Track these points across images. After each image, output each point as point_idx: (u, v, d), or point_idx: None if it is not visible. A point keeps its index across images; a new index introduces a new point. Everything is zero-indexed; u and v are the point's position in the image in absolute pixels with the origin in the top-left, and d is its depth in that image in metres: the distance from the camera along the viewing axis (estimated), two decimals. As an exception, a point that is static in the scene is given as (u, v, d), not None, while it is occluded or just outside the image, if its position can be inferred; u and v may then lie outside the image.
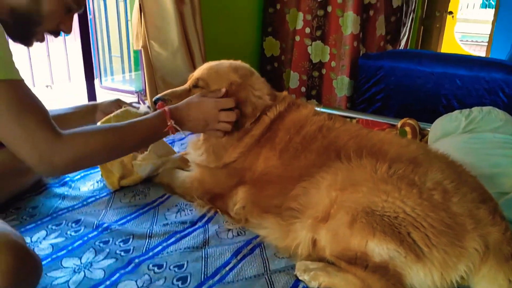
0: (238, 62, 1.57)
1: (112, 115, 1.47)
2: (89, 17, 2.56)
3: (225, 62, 1.54)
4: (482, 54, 5.68)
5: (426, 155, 1.24)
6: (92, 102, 1.64)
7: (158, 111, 1.24)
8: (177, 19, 2.42)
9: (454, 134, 1.85)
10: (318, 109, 1.58)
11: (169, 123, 1.21)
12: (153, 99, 1.47)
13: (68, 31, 1.24)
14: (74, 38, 2.95)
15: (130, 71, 3.15)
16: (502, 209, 1.26)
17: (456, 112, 1.93)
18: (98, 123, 1.46)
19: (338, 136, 1.37)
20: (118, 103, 1.58)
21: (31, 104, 0.98)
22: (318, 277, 1.10)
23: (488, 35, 5.15)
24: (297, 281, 1.12)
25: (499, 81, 2.46)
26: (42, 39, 1.23)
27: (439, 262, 1.02)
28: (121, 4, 3.02)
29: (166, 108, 1.24)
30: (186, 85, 1.52)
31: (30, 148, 0.95)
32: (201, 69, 1.53)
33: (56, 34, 1.24)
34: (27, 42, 1.21)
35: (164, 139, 1.62)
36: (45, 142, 0.96)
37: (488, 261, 1.01)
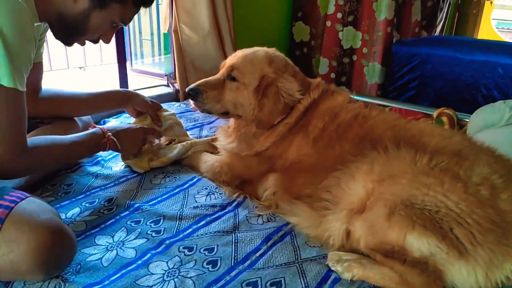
0: (273, 51, 1.52)
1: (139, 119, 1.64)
2: None
3: (260, 51, 1.49)
4: (519, 42, 5.40)
5: (471, 148, 1.18)
6: (125, 91, 1.68)
7: (94, 129, 1.35)
8: (208, 3, 2.39)
9: (497, 126, 1.76)
10: (353, 96, 1.52)
11: (106, 135, 1.34)
12: (187, 90, 1.46)
13: (107, 42, 1.29)
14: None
15: (160, 54, 3.14)
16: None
17: (500, 102, 1.84)
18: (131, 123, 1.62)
19: (375, 125, 1.32)
20: (147, 104, 1.65)
21: (21, 115, 1.06)
22: (352, 269, 1.07)
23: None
24: (329, 271, 1.09)
25: (544, 71, 2.33)
26: (82, 44, 1.28)
27: (484, 261, 0.97)
28: (153, -14, 3.00)
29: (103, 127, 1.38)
30: (220, 75, 1.48)
31: (3, 149, 1.03)
32: (236, 57, 1.49)
33: (95, 42, 1.28)
34: (68, 43, 1.26)
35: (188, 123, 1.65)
36: (15, 151, 1.05)
37: (536, 261, 0.96)
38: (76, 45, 1.27)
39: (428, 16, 3.64)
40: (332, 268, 1.09)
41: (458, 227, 0.99)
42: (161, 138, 1.66)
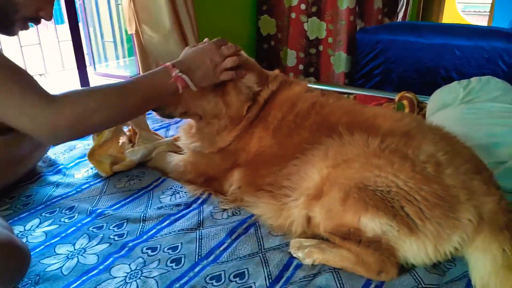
0: None
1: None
2: (77, 2, 2.51)
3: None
4: (484, 24, 5.55)
5: (419, 128, 1.21)
6: None
7: (160, 67, 1.13)
8: (167, 1, 2.38)
9: (452, 106, 1.82)
10: (311, 85, 1.55)
11: (173, 74, 1.11)
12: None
13: (48, 17, 1.18)
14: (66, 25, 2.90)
15: (124, 56, 3.12)
16: (499, 178, 1.24)
17: (454, 83, 1.90)
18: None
19: (331, 112, 1.35)
20: None
21: (15, 68, 0.95)
22: (312, 254, 1.10)
23: (490, 4, 5.03)
24: (291, 258, 1.12)
25: (499, 49, 2.41)
26: (25, 27, 1.19)
27: (432, 235, 1.01)
28: (111, -12, 2.97)
29: (168, 63, 1.14)
30: None
31: (26, 116, 0.92)
32: None
33: (36, 21, 1.19)
34: (9, 31, 1.17)
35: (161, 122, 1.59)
36: (38, 106, 0.92)
37: (482, 231, 1.00)
38: (34, 51, 1.22)
39: (390, 3, 3.71)
40: (294, 255, 1.12)
41: (408, 204, 1.02)
42: (124, 135, 1.62)
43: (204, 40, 1.38)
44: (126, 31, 2.89)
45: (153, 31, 2.48)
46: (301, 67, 3.36)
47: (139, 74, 2.64)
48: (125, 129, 1.65)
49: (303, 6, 3.20)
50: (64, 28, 3.18)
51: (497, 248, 0.98)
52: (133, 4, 2.42)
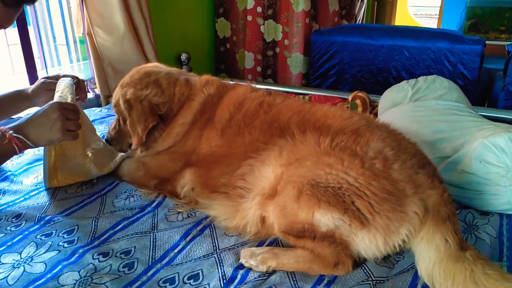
0: (129, 73, 1.55)
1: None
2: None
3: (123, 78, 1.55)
4: (434, 26, 5.83)
5: (368, 125, 1.25)
6: (16, 90, 1.53)
7: None
8: (120, 4, 2.33)
9: (402, 104, 1.89)
10: (255, 85, 1.58)
11: (7, 135, 1.13)
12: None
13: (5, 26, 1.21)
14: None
15: (78, 60, 3.01)
16: (443, 172, 1.32)
17: (403, 82, 1.97)
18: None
19: (281, 112, 1.37)
20: (45, 84, 1.48)
21: None
22: (266, 260, 1.09)
23: (439, 8, 5.29)
24: (247, 257, 1.12)
25: (444, 50, 2.53)
26: None
27: (382, 228, 1.05)
28: (62, -11, 2.86)
29: (3, 127, 1.16)
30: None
31: None
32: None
33: None
34: None
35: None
36: None
37: (427, 223, 1.05)
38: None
39: (347, 6, 3.80)
40: (246, 265, 1.09)
41: (358, 199, 1.06)
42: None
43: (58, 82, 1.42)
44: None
45: (107, 34, 2.42)
46: (259, 69, 3.38)
47: (94, 77, 2.58)
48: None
49: (259, 9, 3.22)
50: (14, 32, 3.05)
51: (440, 238, 1.03)
52: (84, 6, 2.35)
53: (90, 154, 1.46)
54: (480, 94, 2.69)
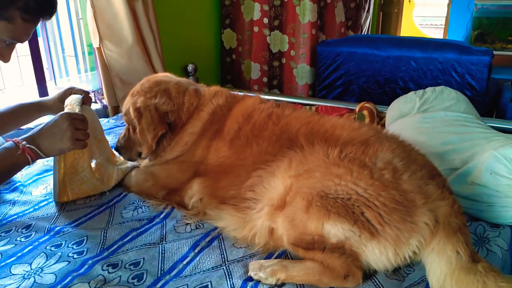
0: (140, 82, 1.57)
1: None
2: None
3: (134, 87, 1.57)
4: (440, 36, 5.83)
5: (377, 136, 1.25)
6: (37, 100, 1.58)
7: (9, 141, 1.19)
8: (129, 16, 2.36)
9: (410, 115, 1.88)
10: (264, 97, 1.59)
11: (20, 146, 1.16)
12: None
13: (5, 60, 1.24)
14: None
15: (86, 71, 3.05)
16: (453, 184, 1.30)
17: (411, 93, 1.97)
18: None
19: (289, 123, 1.38)
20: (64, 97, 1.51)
21: None
22: (275, 273, 1.08)
23: (445, 18, 5.30)
24: (256, 269, 1.11)
25: (451, 61, 2.53)
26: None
27: (392, 239, 1.04)
28: (71, 2, 2.91)
29: (17, 138, 1.20)
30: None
31: None
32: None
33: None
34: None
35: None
36: None
37: (438, 234, 1.04)
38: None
39: (353, 17, 3.83)
40: (255, 277, 1.07)
41: (368, 210, 1.05)
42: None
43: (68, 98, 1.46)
44: (89, 45, 2.84)
45: (115, 45, 2.45)
46: (265, 79, 3.40)
47: (101, 88, 2.60)
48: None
49: (265, 20, 3.25)
50: (24, 43, 3.10)
51: (452, 250, 1.02)
52: (94, 19, 2.39)
53: (93, 165, 1.48)
54: (488, 105, 2.68)
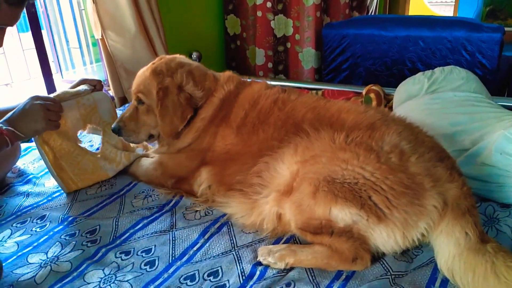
0: (160, 61, 1.52)
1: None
2: (40, 9, 2.45)
3: (148, 67, 1.51)
4: (451, 14, 5.70)
5: (383, 119, 1.25)
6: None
7: None
8: (131, 5, 2.35)
9: (418, 97, 1.86)
10: (271, 82, 1.58)
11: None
12: (112, 129, 1.50)
13: (12, 24, 1.22)
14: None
15: (91, 62, 3.06)
16: (462, 165, 1.30)
17: (419, 74, 1.94)
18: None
19: (295, 109, 1.37)
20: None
21: None
22: (284, 257, 1.09)
23: (455, -6, 5.17)
24: (265, 254, 1.13)
25: (461, 39, 2.48)
26: None
27: (400, 222, 1.05)
28: (73, -6, 2.91)
29: None
30: (132, 103, 1.53)
31: None
32: (136, 80, 1.52)
33: None
34: None
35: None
36: None
37: (446, 216, 1.04)
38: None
39: (357, -3, 3.76)
40: (264, 262, 1.09)
41: (375, 194, 1.06)
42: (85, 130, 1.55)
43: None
44: (92, 36, 2.84)
45: (118, 35, 2.44)
46: (270, 65, 3.37)
47: (107, 79, 2.61)
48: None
49: (269, 4, 3.21)
50: (29, 36, 3.11)
51: (460, 231, 1.02)
52: (96, 9, 2.38)
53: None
54: (500, 84, 2.63)
